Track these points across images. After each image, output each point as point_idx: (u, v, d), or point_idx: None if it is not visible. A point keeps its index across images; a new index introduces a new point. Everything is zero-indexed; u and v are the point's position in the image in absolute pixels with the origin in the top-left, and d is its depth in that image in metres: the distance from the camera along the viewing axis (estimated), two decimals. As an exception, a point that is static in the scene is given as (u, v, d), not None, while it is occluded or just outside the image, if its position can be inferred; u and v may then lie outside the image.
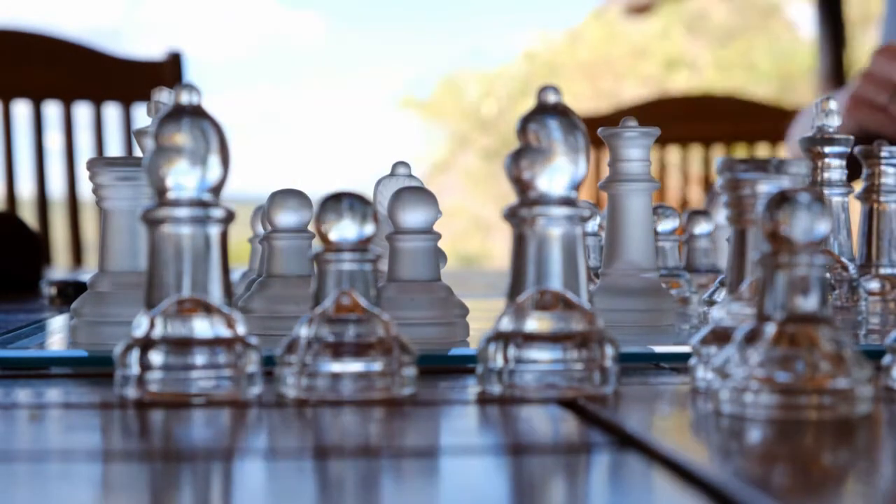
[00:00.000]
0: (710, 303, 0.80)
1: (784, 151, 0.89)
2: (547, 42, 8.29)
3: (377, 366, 0.59)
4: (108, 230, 0.76)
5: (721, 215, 1.09)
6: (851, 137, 0.84)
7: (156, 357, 0.58)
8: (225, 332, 0.59)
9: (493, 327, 0.61)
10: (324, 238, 0.60)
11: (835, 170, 0.84)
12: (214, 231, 0.60)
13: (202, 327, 0.59)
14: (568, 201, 0.61)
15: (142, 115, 2.16)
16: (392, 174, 0.85)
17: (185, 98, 0.59)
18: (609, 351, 0.61)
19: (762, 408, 0.54)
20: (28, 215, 1.92)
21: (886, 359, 0.62)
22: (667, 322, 0.84)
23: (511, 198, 0.62)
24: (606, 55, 7.83)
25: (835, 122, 0.84)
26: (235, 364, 0.59)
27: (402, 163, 0.85)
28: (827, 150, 0.84)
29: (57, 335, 0.84)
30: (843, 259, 0.84)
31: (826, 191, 0.84)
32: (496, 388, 0.60)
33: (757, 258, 0.56)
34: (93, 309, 0.75)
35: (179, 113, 0.59)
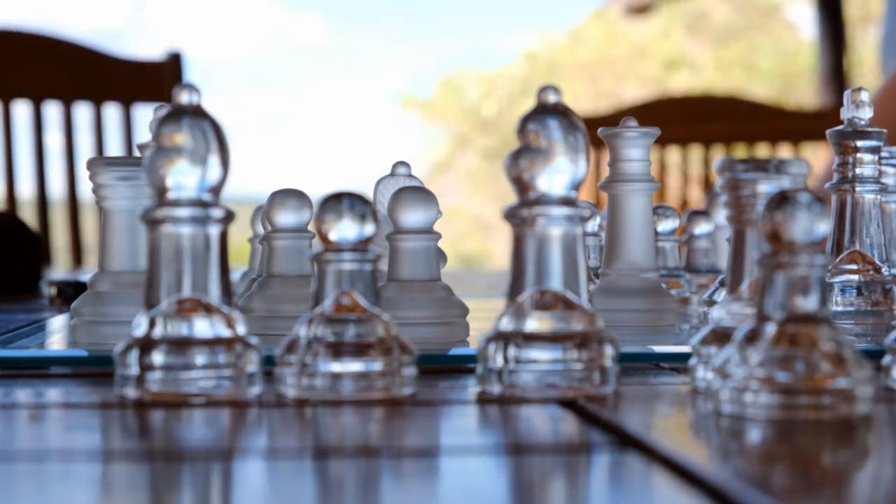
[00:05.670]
0: (710, 303, 0.80)
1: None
2: (547, 42, 8.29)
3: (377, 366, 0.59)
4: (108, 230, 0.76)
5: (721, 215, 1.09)
6: (885, 131, 0.80)
7: (156, 357, 0.58)
8: (225, 332, 0.59)
9: (493, 327, 0.61)
10: (324, 238, 0.60)
11: (867, 165, 0.80)
12: (214, 231, 0.60)
13: (202, 327, 0.59)
14: (568, 201, 0.61)
15: (142, 116, 2.17)
16: (392, 174, 0.85)
17: (185, 98, 0.59)
18: (609, 351, 0.61)
19: (762, 408, 0.54)
20: (28, 215, 1.92)
21: (886, 359, 0.62)
22: (667, 322, 0.84)
23: (511, 198, 0.62)
24: (606, 55, 7.83)
25: (866, 114, 0.80)
26: (235, 364, 0.59)
27: (402, 163, 0.85)
28: (859, 143, 0.80)
29: (57, 335, 0.84)
30: (875, 260, 0.80)
31: (858, 187, 0.81)
32: (496, 388, 0.60)
33: (757, 258, 0.56)
34: (93, 309, 0.75)
35: (179, 113, 0.59)
